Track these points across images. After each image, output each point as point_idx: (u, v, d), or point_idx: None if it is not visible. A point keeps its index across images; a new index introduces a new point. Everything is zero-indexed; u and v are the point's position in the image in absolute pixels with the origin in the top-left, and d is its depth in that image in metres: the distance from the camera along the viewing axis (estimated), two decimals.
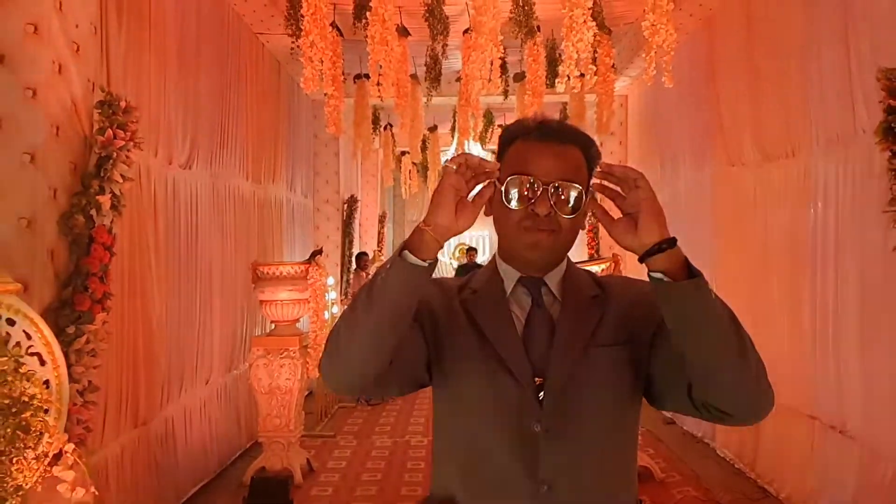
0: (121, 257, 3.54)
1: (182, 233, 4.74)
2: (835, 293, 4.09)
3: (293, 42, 5.15)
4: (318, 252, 5.66)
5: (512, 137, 1.35)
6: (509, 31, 5.24)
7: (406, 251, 1.17)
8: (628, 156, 8.79)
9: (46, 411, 1.98)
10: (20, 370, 1.95)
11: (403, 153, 12.12)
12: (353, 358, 1.21)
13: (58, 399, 2.10)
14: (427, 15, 5.49)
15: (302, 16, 4.64)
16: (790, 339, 4.57)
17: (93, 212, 3.17)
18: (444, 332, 1.34)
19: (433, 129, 10.28)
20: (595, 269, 4.42)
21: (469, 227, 1.20)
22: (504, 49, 4.70)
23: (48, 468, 1.87)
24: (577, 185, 1.27)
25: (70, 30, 3.22)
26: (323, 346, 1.26)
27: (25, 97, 2.94)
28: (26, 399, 1.86)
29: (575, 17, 4.23)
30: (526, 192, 1.27)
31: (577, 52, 4.31)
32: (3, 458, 1.75)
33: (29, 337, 2.16)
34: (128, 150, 3.37)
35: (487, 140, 9.79)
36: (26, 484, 1.81)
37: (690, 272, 1.13)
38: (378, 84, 5.28)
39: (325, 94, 5.57)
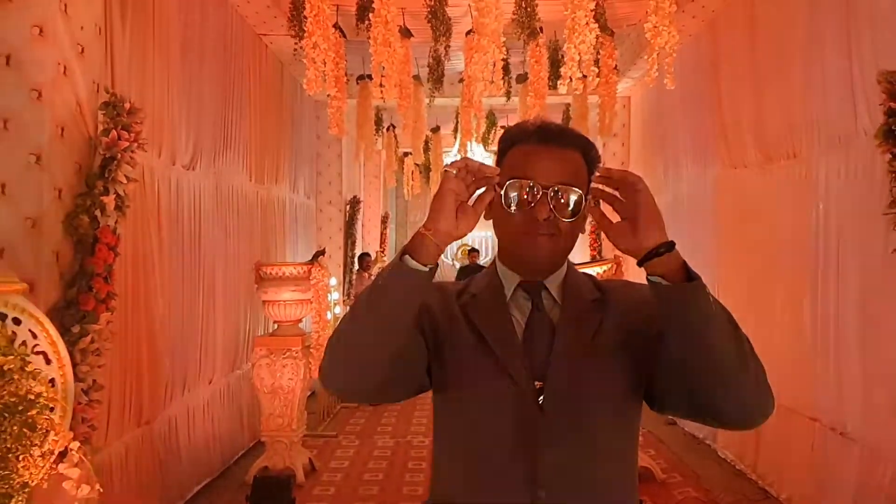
0: (125, 257, 3.57)
1: (185, 233, 4.76)
2: (836, 295, 4.10)
3: (296, 43, 5.17)
4: (321, 253, 5.68)
5: (511, 141, 1.35)
6: (512, 32, 5.25)
7: (406, 256, 1.16)
8: (631, 157, 8.80)
9: (52, 409, 2.00)
10: (26, 369, 1.97)
11: (406, 154, 12.13)
12: (354, 363, 1.21)
13: (63, 397, 2.13)
14: (430, 16, 5.50)
15: (305, 17, 4.66)
16: (791, 341, 4.58)
17: (97, 212, 3.19)
18: (445, 337, 1.34)
19: (436, 130, 10.30)
20: (597, 270, 4.43)
21: (469, 231, 1.20)
22: (506, 50, 4.71)
23: (54, 465, 1.90)
24: (576, 189, 1.27)
25: (75, 31, 3.24)
26: (323, 350, 1.25)
27: (31, 98, 2.96)
28: (32, 397, 1.88)
29: (577, 18, 4.24)
30: (525, 196, 1.26)
31: (579, 53, 4.32)
32: (10, 455, 1.77)
33: (35, 336, 2.18)
34: (132, 151, 3.38)
35: (490, 141, 9.80)
36: (32, 481, 1.83)
37: (689, 276, 1.13)
38: (381, 85, 5.29)
39: (328, 96, 5.59)
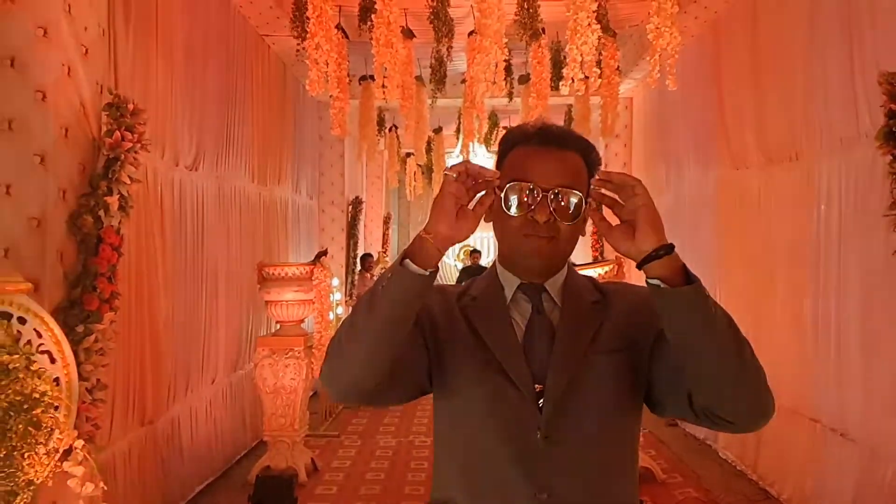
0: (128, 258, 3.58)
1: (188, 234, 4.78)
2: (837, 296, 4.10)
3: (299, 44, 5.18)
4: (323, 253, 5.69)
5: (512, 143, 1.35)
6: (514, 33, 5.26)
7: (407, 260, 1.16)
8: (633, 158, 8.80)
9: (57, 408, 2.02)
10: (31, 367, 1.99)
11: (408, 155, 12.14)
12: (354, 366, 1.20)
13: (68, 396, 2.14)
14: (432, 17, 5.51)
15: (307, 18, 4.67)
16: (792, 342, 4.59)
17: (101, 213, 3.20)
18: (445, 339, 1.33)
19: (438, 130, 10.31)
20: (599, 271, 4.45)
21: (470, 235, 1.20)
22: (509, 51, 4.72)
23: (58, 463, 1.91)
24: (577, 192, 1.27)
25: (79, 32, 3.25)
26: (324, 353, 1.25)
27: (35, 99, 2.97)
28: (37, 396, 1.90)
29: (580, 19, 4.24)
30: (525, 199, 1.26)
31: (581, 54, 4.32)
32: (16, 453, 1.79)
33: (40, 335, 2.20)
34: (135, 152, 3.40)
35: (492, 142, 9.81)
36: (37, 478, 1.85)
37: (688, 278, 1.13)
38: (383, 86, 5.31)
39: (331, 96, 5.60)
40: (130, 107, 3.41)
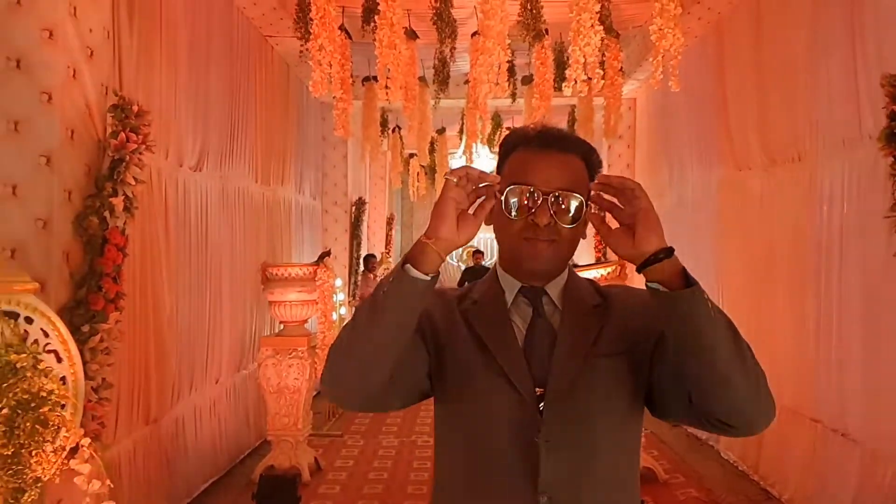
0: (133, 258, 3.60)
1: (192, 234, 4.80)
2: (838, 297, 4.11)
3: (302, 45, 5.20)
4: (327, 254, 5.72)
5: (512, 146, 1.35)
6: (517, 34, 5.27)
7: (408, 265, 1.16)
8: (636, 159, 8.81)
9: (63, 406, 2.04)
10: (38, 367, 2.01)
11: (412, 155, 12.16)
12: (356, 371, 1.20)
13: (74, 395, 2.16)
14: (435, 18, 5.52)
15: (311, 19, 4.69)
16: (793, 342, 4.60)
17: (106, 213, 3.23)
18: (445, 343, 1.33)
19: (441, 131, 10.33)
20: (602, 272, 4.46)
21: (470, 239, 1.20)
22: (512, 52, 4.73)
23: (65, 461, 1.94)
24: (577, 195, 1.26)
25: (84, 35, 3.28)
26: (325, 358, 1.25)
27: (41, 101, 3.00)
28: (45, 394, 1.92)
29: (583, 20, 4.25)
30: (526, 202, 1.26)
31: (584, 55, 4.33)
32: (24, 450, 1.82)
33: (46, 335, 2.22)
34: (140, 153, 3.43)
35: (495, 143, 9.82)
36: (45, 476, 1.87)
37: (688, 282, 1.13)
38: (386, 87, 5.31)
39: (334, 97, 5.62)
40: (135, 108, 3.44)
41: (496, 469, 1.27)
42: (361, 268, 10.16)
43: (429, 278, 1.17)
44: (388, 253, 13.00)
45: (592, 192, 1.23)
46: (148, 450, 4.11)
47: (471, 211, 1.21)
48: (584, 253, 8.10)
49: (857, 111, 3.86)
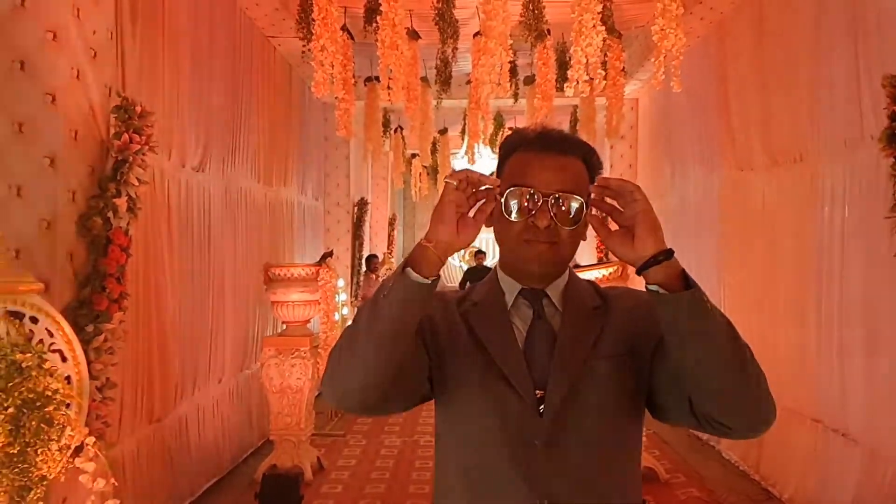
0: (136, 258, 3.62)
1: (195, 235, 4.82)
2: (840, 298, 4.11)
3: (304, 46, 5.21)
4: (329, 254, 5.73)
5: (512, 148, 1.35)
6: (519, 34, 5.28)
7: (408, 269, 1.15)
8: (638, 159, 8.81)
9: (68, 406, 2.05)
10: (43, 366, 2.02)
11: (414, 156, 12.18)
12: (356, 375, 1.20)
13: (79, 394, 2.18)
14: (437, 18, 5.53)
15: (313, 20, 4.70)
16: (795, 343, 4.60)
17: (110, 214, 3.25)
18: (446, 345, 1.33)
19: (443, 131, 10.34)
20: (603, 272, 4.46)
21: (471, 243, 1.20)
22: (514, 53, 4.74)
23: (70, 460, 1.95)
24: (577, 197, 1.26)
25: (87, 36, 3.29)
26: (326, 361, 1.25)
27: (45, 102, 3.02)
28: (49, 394, 1.93)
29: (585, 21, 4.26)
30: (526, 204, 1.26)
31: (586, 56, 4.34)
32: (29, 449, 1.83)
33: (51, 335, 2.24)
34: (143, 154, 3.44)
35: (497, 143, 9.82)
36: (50, 474, 1.89)
37: (688, 284, 1.13)
38: (388, 87, 5.33)
39: (336, 98, 5.63)
40: (138, 109, 3.45)
41: (496, 471, 1.27)
42: (364, 268, 10.17)
43: (429, 282, 1.16)
44: (390, 253, 13.00)
45: (592, 195, 1.23)
46: (151, 449, 4.12)
47: (471, 214, 1.20)
48: (586, 253, 8.11)
49: (859, 112, 3.86)
